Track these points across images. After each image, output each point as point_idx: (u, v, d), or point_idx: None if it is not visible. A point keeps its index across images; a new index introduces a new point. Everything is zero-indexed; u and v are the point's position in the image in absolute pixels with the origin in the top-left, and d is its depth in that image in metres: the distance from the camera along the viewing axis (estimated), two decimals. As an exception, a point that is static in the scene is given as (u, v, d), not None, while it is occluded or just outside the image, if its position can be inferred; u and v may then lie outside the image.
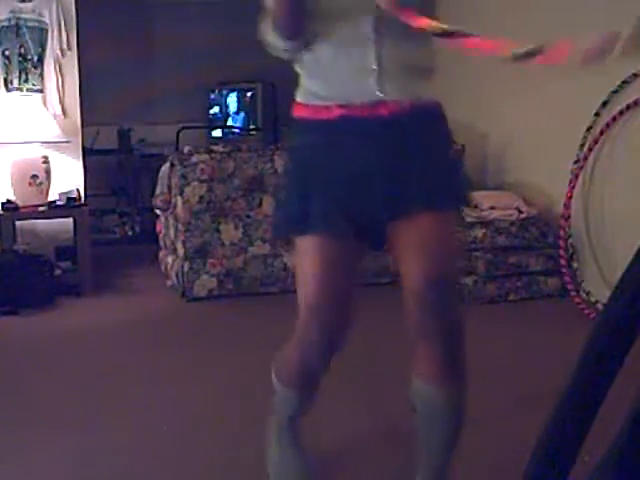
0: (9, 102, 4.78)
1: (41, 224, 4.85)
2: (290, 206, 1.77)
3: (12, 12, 4.79)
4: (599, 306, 3.93)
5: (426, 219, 1.68)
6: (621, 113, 3.95)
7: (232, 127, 7.14)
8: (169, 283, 4.75)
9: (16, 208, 4.59)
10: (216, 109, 7.21)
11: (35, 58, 4.86)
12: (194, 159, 4.41)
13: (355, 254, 1.80)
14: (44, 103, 4.88)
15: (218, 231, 4.48)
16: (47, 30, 4.88)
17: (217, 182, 4.43)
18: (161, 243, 5.04)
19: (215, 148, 4.55)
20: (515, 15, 4.64)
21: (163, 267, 4.94)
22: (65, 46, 4.92)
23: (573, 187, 4.14)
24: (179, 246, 4.52)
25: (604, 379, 0.90)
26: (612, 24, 1.17)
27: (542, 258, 4.35)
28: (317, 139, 1.73)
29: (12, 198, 4.64)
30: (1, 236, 4.54)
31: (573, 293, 4.07)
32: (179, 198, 4.45)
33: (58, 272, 4.61)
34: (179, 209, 4.47)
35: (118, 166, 6.85)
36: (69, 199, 4.72)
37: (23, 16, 4.81)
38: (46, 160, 4.70)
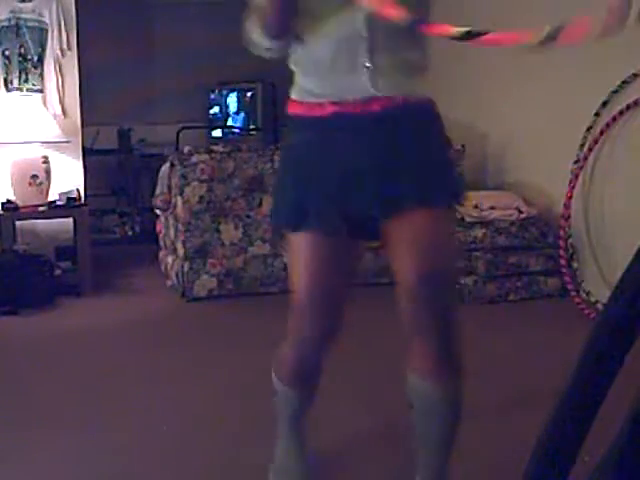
0: (9, 102, 4.78)
1: (41, 224, 4.85)
2: (284, 203, 1.79)
3: (12, 12, 4.79)
4: (599, 306, 3.93)
5: (419, 215, 1.69)
6: (621, 113, 3.95)
7: (232, 127, 7.14)
8: (169, 283, 4.75)
9: (16, 208, 4.59)
10: (216, 109, 7.22)
11: (35, 58, 4.86)
12: (194, 159, 4.41)
13: (349, 251, 1.81)
14: (44, 103, 4.88)
15: (218, 231, 4.48)
16: (47, 30, 4.88)
17: (217, 182, 4.43)
18: (161, 243, 5.04)
19: (215, 148, 4.55)
20: (513, 11, 4.64)
21: (163, 267, 4.94)
22: (65, 46, 4.92)
23: (573, 187, 4.14)
24: (179, 246, 4.52)
25: (604, 379, 0.90)
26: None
27: (542, 258, 4.35)
28: (310, 136, 1.74)
29: (12, 198, 4.64)
30: (1, 236, 4.54)
31: (573, 293, 4.07)
32: (179, 198, 4.45)
33: (58, 272, 4.61)
34: (179, 209, 4.47)
35: (118, 166, 6.85)
36: (69, 199, 4.72)
37: (23, 16, 4.82)
38: (46, 160, 4.70)
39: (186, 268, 4.45)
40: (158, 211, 4.97)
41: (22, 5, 4.80)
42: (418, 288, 1.69)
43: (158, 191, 4.80)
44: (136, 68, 6.90)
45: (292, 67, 1.77)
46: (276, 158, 4.44)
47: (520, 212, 4.43)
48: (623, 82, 3.93)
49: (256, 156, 4.49)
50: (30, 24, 4.84)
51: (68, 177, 4.92)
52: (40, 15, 4.85)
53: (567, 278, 4.13)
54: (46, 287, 4.42)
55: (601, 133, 4.06)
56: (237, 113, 7.16)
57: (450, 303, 1.78)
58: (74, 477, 2.35)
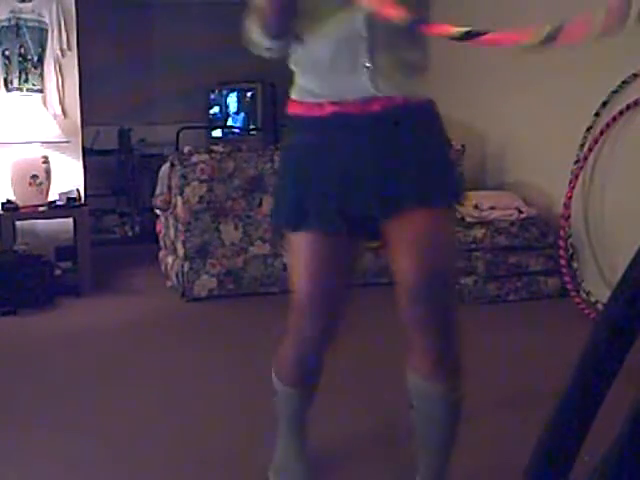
0: (9, 102, 4.78)
1: (41, 224, 4.84)
2: (284, 203, 1.79)
3: (12, 12, 4.79)
4: (599, 306, 3.93)
5: (419, 215, 1.69)
6: (621, 113, 3.95)
7: (232, 127, 7.15)
8: (169, 283, 4.75)
9: (16, 208, 4.59)
10: (216, 109, 7.22)
11: (35, 58, 4.86)
12: (194, 159, 4.41)
13: (349, 251, 1.81)
14: (44, 103, 4.88)
15: (218, 231, 4.48)
16: (47, 30, 4.88)
17: (217, 182, 4.43)
18: (161, 243, 5.04)
19: (215, 148, 4.55)
20: (513, 11, 4.64)
21: (163, 267, 4.94)
22: (65, 46, 4.92)
23: (573, 187, 4.14)
24: (179, 246, 4.52)
25: (604, 379, 0.90)
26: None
27: (542, 258, 4.35)
28: (310, 136, 1.75)
29: (12, 198, 4.64)
30: (1, 236, 4.53)
31: (573, 293, 4.07)
32: (179, 198, 4.45)
33: (58, 272, 4.61)
34: (179, 209, 4.47)
35: (118, 166, 6.86)
36: (69, 199, 4.72)
37: (23, 16, 4.81)
38: (46, 160, 4.70)
39: (186, 268, 4.45)
40: (158, 211, 4.97)
41: (22, 5, 4.80)
42: (418, 288, 1.69)
43: (158, 191, 4.80)
44: (136, 68, 6.90)
45: (292, 67, 1.78)
46: (276, 158, 4.44)
47: (520, 212, 4.43)
48: (623, 82, 3.93)
49: (256, 156, 4.49)
50: (30, 24, 4.83)
51: (68, 177, 4.92)
52: (40, 15, 4.85)
53: (567, 278, 4.13)
54: (46, 287, 4.42)
55: (601, 133, 4.06)
56: (237, 113, 7.16)
57: (450, 303, 1.78)
58: (74, 478, 2.35)
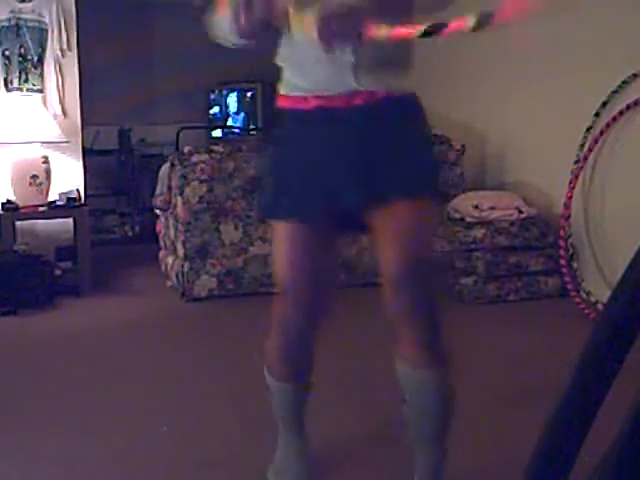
0: (9, 102, 4.78)
1: (41, 224, 4.84)
2: (267, 193, 1.85)
3: (12, 12, 4.79)
4: (599, 306, 3.93)
5: (402, 207, 1.73)
6: (621, 113, 3.95)
7: (232, 127, 7.15)
8: (169, 283, 4.75)
9: (16, 208, 4.59)
10: (216, 109, 7.22)
11: (35, 58, 4.86)
12: (194, 159, 4.41)
13: (331, 240, 1.88)
14: (44, 103, 4.88)
15: (218, 231, 4.48)
16: (47, 30, 4.88)
17: (217, 182, 4.43)
18: (161, 243, 5.04)
19: (215, 148, 4.55)
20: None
21: (163, 267, 4.94)
22: (65, 46, 4.92)
23: (573, 187, 4.14)
24: (179, 246, 4.52)
25: (604, 379, 0.90)
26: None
27: (542, 258, 4.35)
28: (294, 129, 1.79)
29: (12, 198, 4.64)
30: (1, 236, 4.53)
31: (573, 293, 4.07)
32: (179, 198, 4.45)
33: (58, 272, 4.60)
34: (179, 209, 4.47)
35: (118, 166, 6.85)
36: (69, 199, 4.72)
37: (23, 16, 4.81)
38: (46, 160, 4.70)
39: (186, 268, 4.45)
40: (158, 211, 4.97)
41: (22, 5, 4.80)
42: (401, 278, 1.73)
43: (158, 191, 4.80)
44: (136, 68, 6.90)
45: (278, 62, 1.81)
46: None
47: (520, 212, 4.43)
48: (623, 82, 3.93)
49: (256, 156, 4.49)
50: (30, 24, 4.83)
51: (68, 177, 4.92)
52: (40, 15, 4.85)
53: (567, 278, 4.13)
54: (46, 287, 4.42)
55: (601, 133, 4.06)
56: (237, 113, 7.16)
57: (433, 292, 1.83)
58: (74, 478, 2.35)
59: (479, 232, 4.31)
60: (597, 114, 4.08)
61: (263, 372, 2.03)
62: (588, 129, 4.13)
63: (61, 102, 4.93)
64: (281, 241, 1.84)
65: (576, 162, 4.16)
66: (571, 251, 4.25)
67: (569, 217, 4.19)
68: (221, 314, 4.25)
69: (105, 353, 3.58)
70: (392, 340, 1.84)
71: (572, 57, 4.24)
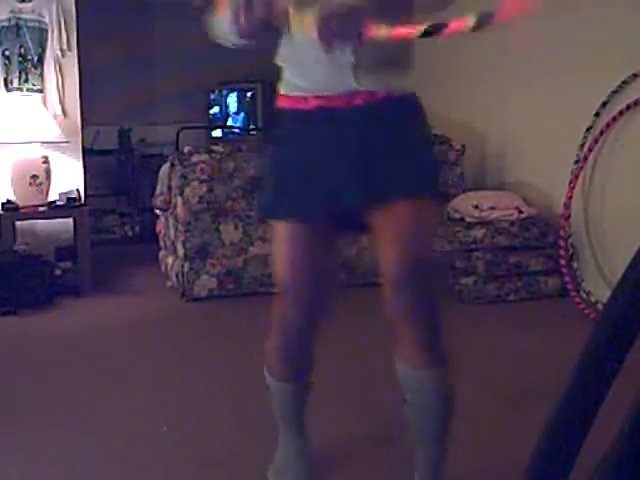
0: (9, 102, 4.78)
1: (41, 224, 4.84)
2: (267, 193, 1.86)
3: (12, 12, 4.79)
4: (599, 306, 3.93)
5: (402, 207, 1.73)
6: (621, 113, 3.95)
7: (232, 127, 7.15)
8: (169, 283, 4.75)
9: (16, 208, 4.59)
10: (216, 109, 7.22)
11: (35, 58, 4.86)
12: (194, 159, 4.41)
13: (331, 240, 1.88)
14: (44, 103, 4.87)
15: (218, 231, 4.48)
16: (47, 30, 4.88)
17: (217, 182, 4.43)
18: (161, 243, 5.04)
19: (215, 148, 4.55)
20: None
21: (163, 267, 4.94)
22: (65, 46, 4.92)
23: (573, 187, 4.14)
24: (179, 246, 4.52)
25: (604, 379, 0.90)
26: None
27: (542, 258, 4.35)
28: (294, 129, 1.80)
29: (12, 198, 4.64)
30: (1, 236, 4.53)
31: (573, 293, 4.07)
32: (179, 198, 4.45)
33: (58, 272, 4.60)
34: (179, 209, 4.47)
35: (118, 166, 6.85)
36: (69, 199, 4.72)
37: (23, 16, 4.81)
38: (46, 160, 4.70)
39: (186, 268, 4.45)
40: (158, 211, 4.97)
41: (22, 5, 4.80)
42: (401, 278, 1.73)
43: (158, 191, 4.80)
44: (136, 68, 6.89)
45: (279, 63, 1.82)
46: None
47: (520, 212, 4.43)
48: (623, 82, 3.93)
49: (256, 156, 4.49)
50: (30, 24, 4.83)
51: (68, 177, 4.92)
52: (40, 15, 4.85)
53: (567, 278, 4.13)
54: (46, 287, 4.42)
55: (601, 133, 4.06)
56: (237, 113, 7.16)
57: (432, 292, 1.83)
58: (74, 478, 2.35)
59: (479, 232, 4.31)
60: (597, 114, 4.08)
61: (263, 372, 2.03)
62: (588, 129, 4.13)
63: (61, 102, 4.93)
64: (281, 241, 1.84)
65: (576, 162, 4.16)
66: (571, 251, 4.25)
67: (569, 217, 4.19)
68: (221, 314, 4.25)
69: (105, 353, 3.58)
70: (392, 340, 1.84)
71: (572, 57, 4.24)
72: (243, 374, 3.15)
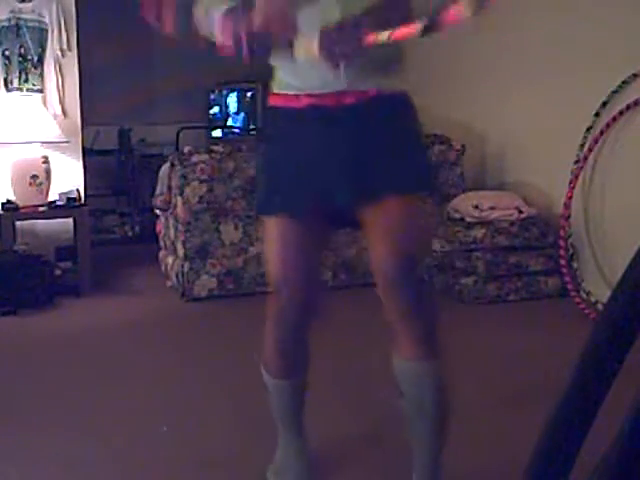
0: (9, 102, 4.78)
1: (41, 224, 4.84)
2: (260, 189, 1.90)
3: (12, 12, 4.79)
4: (599, 306, 3.93)
5: (393, 203, 1.76)
6: (621, 113, 3.95)
7: (232, 127, 7.14)
8: (169, 283, 4.75)
9: (16, 208, 4.59)
10: (216, 109, 7.22)
11: (35, 58, 4.86)
12: (194, 159, 4.41)
13: (322, 236, 1.91)
14: (44, 103, 4.87)
15: (218, 231, 4.48)
16: (47, 30, 4.88)
17: (217, 182, 4.43)
18: (161, 243, 5.04)
19: (215, 148, 4.55)
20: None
21: (163, 267, 4.94)
22: (65, 46, 4.92)
23: (573, 187, 4.14)
24: (179, 246, 4.52)
25: (604, 379, 0.90)
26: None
27: (542, 258, 4.35)
28: (286, 126, 1.82)
29: (12, 198, 4.64)
30: (1, 236, 4.53)
31: (573, 293, 4.07)
32: (179, 198, 4.45)
33: (58, 272, 4.61)
34: (179, 209, 4.47)
35: (118, 166, 6.85)
36: (69, 199, 4.72)
37: (23, 16, 4.81)
38: (46, 160, 4.70)
39: (186, 268, 4.45)
40: (158, 211, 4.97)
41: (22, 5, 4.80)
42: (394, 274, 1.75)
43: (158, 191, 4.80)
44: (136, 68, 6.89)
45: (272, 62, 1.85)
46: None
47: (520, 212, 4.43)
48: (623, 82, 3.93)
49: (256, 156, 4.49)
50: (30, 24, 4.83)
51: (68, 177, 4.92)
52: (40, 15, 4.85)
53: (567, 278, 4.13)
54: (46, 287, 4.42)
55: (601, 133, 4.06)
56: (237, 113, 7.15)
57: (424, 285, 1.90)
58: (74, 477, 2.35)
59: (479, 232, 4.31)
60: (597, 114, 4.08)
61: (261, 371, 2.04)
62: (588, 129, 4.13)
63: (61, 102, 4.93)
64: (273, 238, 1.87)
65: (576, 162, 4.16)
66: (571, 251, 4.25)
67: (569, 217, 4.19)
68: (221, 314, 4.25)
69: (105, 353, 3.58)
70: (390, 340, 1.84)
71: (572, 57, 4.24)
72: (243, 374, 3.15)
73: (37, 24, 4.85)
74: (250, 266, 4.51)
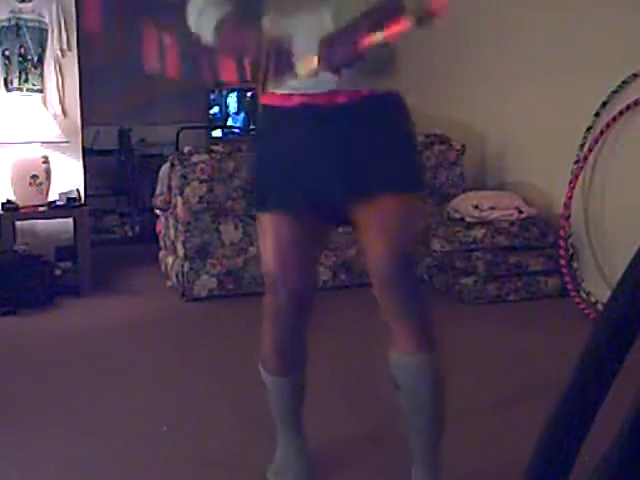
0: (9, 102, 4.78)
1: (41, 224, 4.85)
2: (254, 186, 1.92)
3: (12, 12, 4.79)
4: (599, 306, 3.93)
5: (387, 202, 1.77)
6: (621, 113, 3.95)
7: (232, 127, 7.14)
8: (169, 283, 4.75)
9: (16, 208, 4.59)
10: (216, 109, 7.22)
11: (35, 58, 4.86)
12: (194, 159, 4.41)
13: (316, 232, 1.91)
14: (44, 103, 4.88)
15: (218, 231, 4.48)
16: (47, 30, 4.88)
17: (217, 182, 4.43)
18: (161, 243, 5.04)
19: (215, 148, 4.55)
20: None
21: (163, 267, 4.94)
22: (65, 46, 4.92)
23: (573, 187, 4.14)
24: (179, 246, 4.52)
25: (604, 379, 0.90)
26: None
27: (542, 258, 4.34)
28: (278, 124, 1.84)
29: (12, 198, 4.64)
30: (1, 236, 4.53)
31: (573, 293, 4.07)
32: (179, 198, 4.45)
33: (58, 272, 4.61)
34: (179, 209, 4.47)
35: (118, 166, 6.85)
36: (69, 199, 4.72)
37: (23, 16, 4.81)
38: (46, 160, 4.70)
39: (186, 268, 4.45)
40: (158, 211, 4.97)
41: (22, 5, 4.80)
42: (389, 273, 1.76)
43: (158, 191, 4.80)
44: (136, 68, 6.88)
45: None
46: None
47: (520, 212, 4.43)
48: (623, 82, 3.92)
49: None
50: (30, 24, 4.83)
51: (68, 177, 4.92)
52: (40, 15, 4.85)
53: (567, 278, 4.12)
54: (46, 287, 4.42)
55: (601, 133, 4.06)
56: (237, 113, 7.15)
57: (417, 282, 1.90)
58: (74, 478, 2.35)
59: (479, 232, 4.31)
60: (597, 114, 4.08)
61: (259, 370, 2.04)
62: (588, 129, 4.12)
63: (61, 102, 4.94)
64: (268, 235, 1.88)
65: (576, 162, 4.16)
66: (571, 251, 4.25)
67: (569, 217, 4.19)
68: (221, 314, 4.25)
69: (105, 353, 3.58)
70: (388, 337, 1.84)
71: (572, 57, 4.24)
72: (243, 374, 3.14)
73: (37, 24, 4.85)
74: (250, 266, 4.51)
